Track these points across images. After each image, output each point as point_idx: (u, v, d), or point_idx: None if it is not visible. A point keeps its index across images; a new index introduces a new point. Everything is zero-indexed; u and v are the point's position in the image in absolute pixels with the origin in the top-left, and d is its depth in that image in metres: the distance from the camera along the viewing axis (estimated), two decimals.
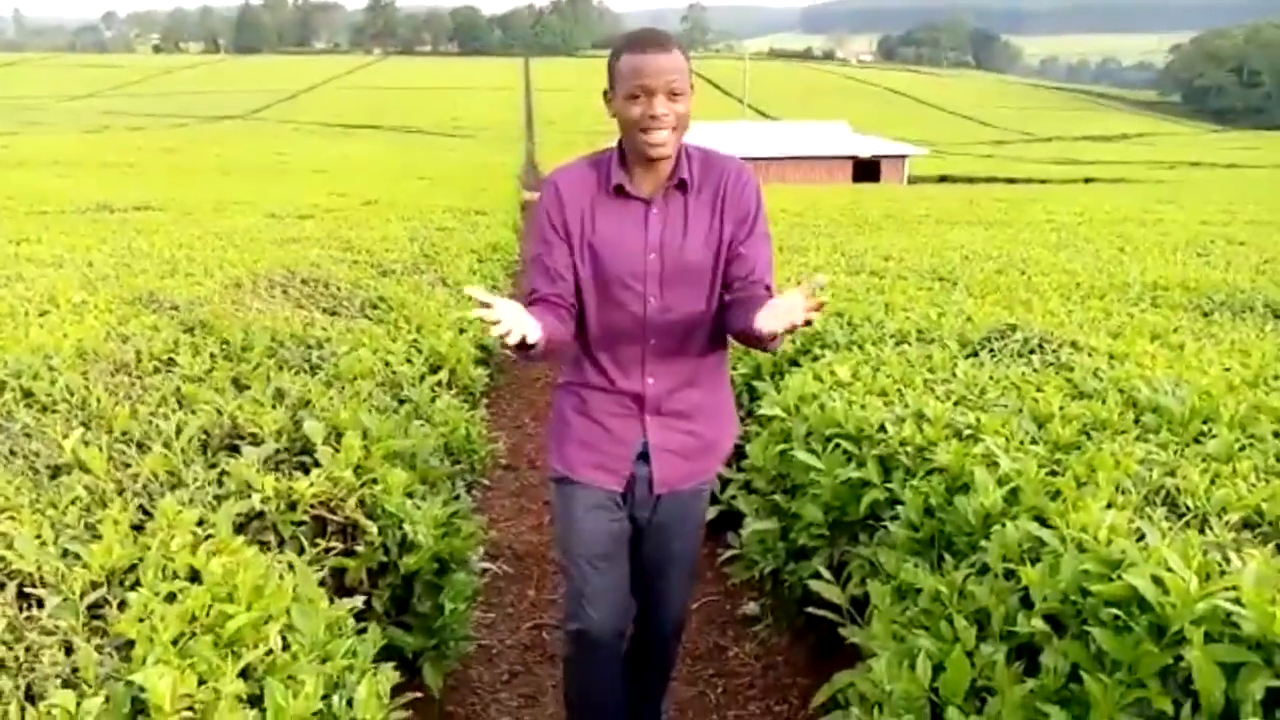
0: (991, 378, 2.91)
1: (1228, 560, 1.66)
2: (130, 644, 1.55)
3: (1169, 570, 1.55)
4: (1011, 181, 36.39)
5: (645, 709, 2.61)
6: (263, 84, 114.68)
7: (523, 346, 1.89)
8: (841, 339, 3.59)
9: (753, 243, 2.16)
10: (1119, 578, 1.60)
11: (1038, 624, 1.68)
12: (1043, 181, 36.02)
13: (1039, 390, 2.73)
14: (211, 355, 3.29)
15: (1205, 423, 2.45)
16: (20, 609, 1.63)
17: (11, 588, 1.68)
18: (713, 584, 3.48)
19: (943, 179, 40.39)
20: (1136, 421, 2.50)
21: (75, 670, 1.45)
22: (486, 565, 3.33)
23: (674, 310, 2.13)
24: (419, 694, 2.21)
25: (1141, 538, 1.73)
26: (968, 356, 3.28)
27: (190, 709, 1.42)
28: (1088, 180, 37.51)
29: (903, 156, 42.03)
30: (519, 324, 1.84)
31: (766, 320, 1.85)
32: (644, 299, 2.13)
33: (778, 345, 2.05)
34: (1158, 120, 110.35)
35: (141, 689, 1.41)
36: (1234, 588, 1.51)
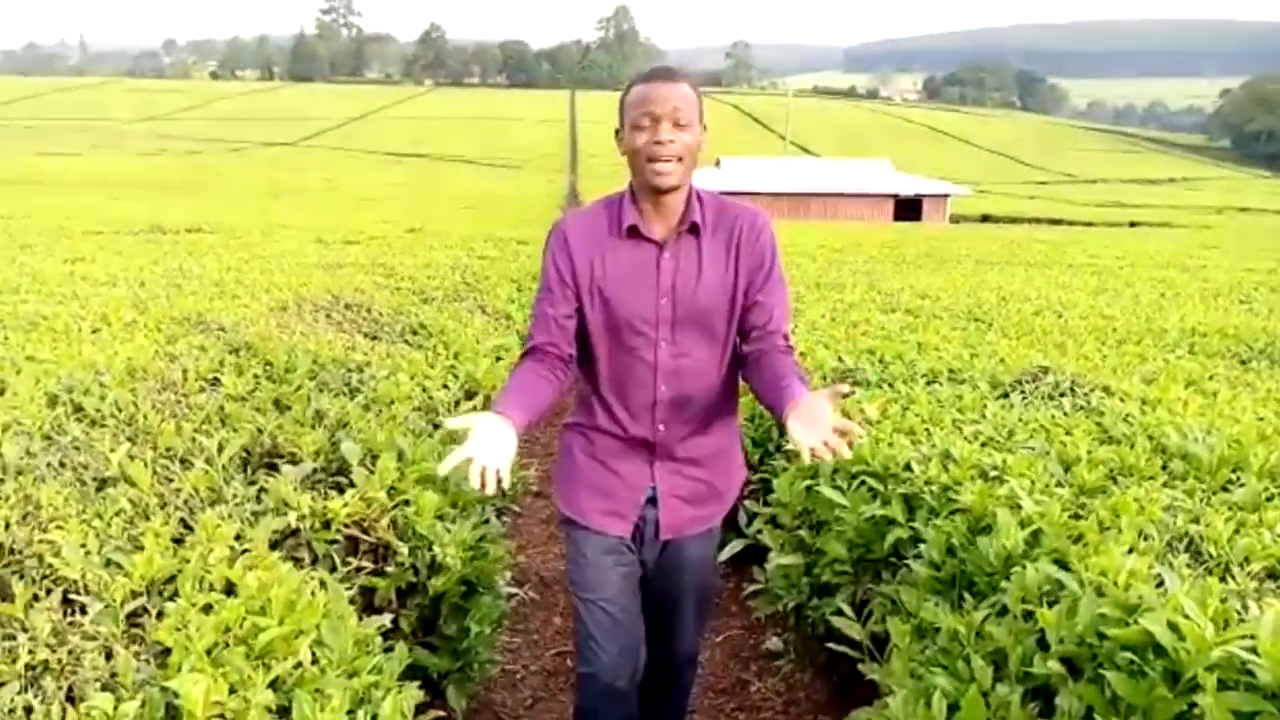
0: (1021, 419, 2.92)
1: (1247, 609, 1.66)
2: (167, 651, 1.61)
3: (1185, 617, 1.56)
4: (1055, 223, 36.14)
5: None
6: (315, 112, 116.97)
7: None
8: (873, 377, 3.61)
9: (769, 290, 2.14)
10: (1136, 622, 1.61)
11: (1054, 666, 1.69)
12: (1087, 224, 35.76)
13: (1068, 434, 2.74)
14: (255, 376, 3.38)
15: (1234, 471, 2.44)
16: (64, 614, 1.70)
17: (57, 594, 1.75)
18: (737, 618, 3.50)
19: (985, 219, 40.15)
20: (1164, 468, 2.50)
21: (114, 675, 1.51)
22: (513, 590, 3.37)
23: (687, 356, 2.11)
24: (442, 714, 2.25)
25: (1161, 584, 1.74)
26: (999, 397, 3.29)
27: (221, 717, 1.47)
28: (1133, 224, 37.17)
29: (945, 195, 41.93)
30: (493, 461, 1.81)
31: (798, 432, 1.77)
32: (655, 344, 2.10)
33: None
34: (1206, 165, 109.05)
35: (176, 695, 1.46)
36: (1251, 636, 1.51)
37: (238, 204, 20.13)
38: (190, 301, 4.99)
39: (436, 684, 2.60)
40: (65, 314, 4.29)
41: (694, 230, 2.11)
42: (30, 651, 1.53)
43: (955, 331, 4.87)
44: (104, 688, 1.46)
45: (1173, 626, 1.57)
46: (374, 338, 4.91)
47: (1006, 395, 3.33)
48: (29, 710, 1.40)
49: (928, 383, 3.53)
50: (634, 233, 2.10)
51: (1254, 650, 1.48)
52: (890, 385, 3.45)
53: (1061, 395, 3.31)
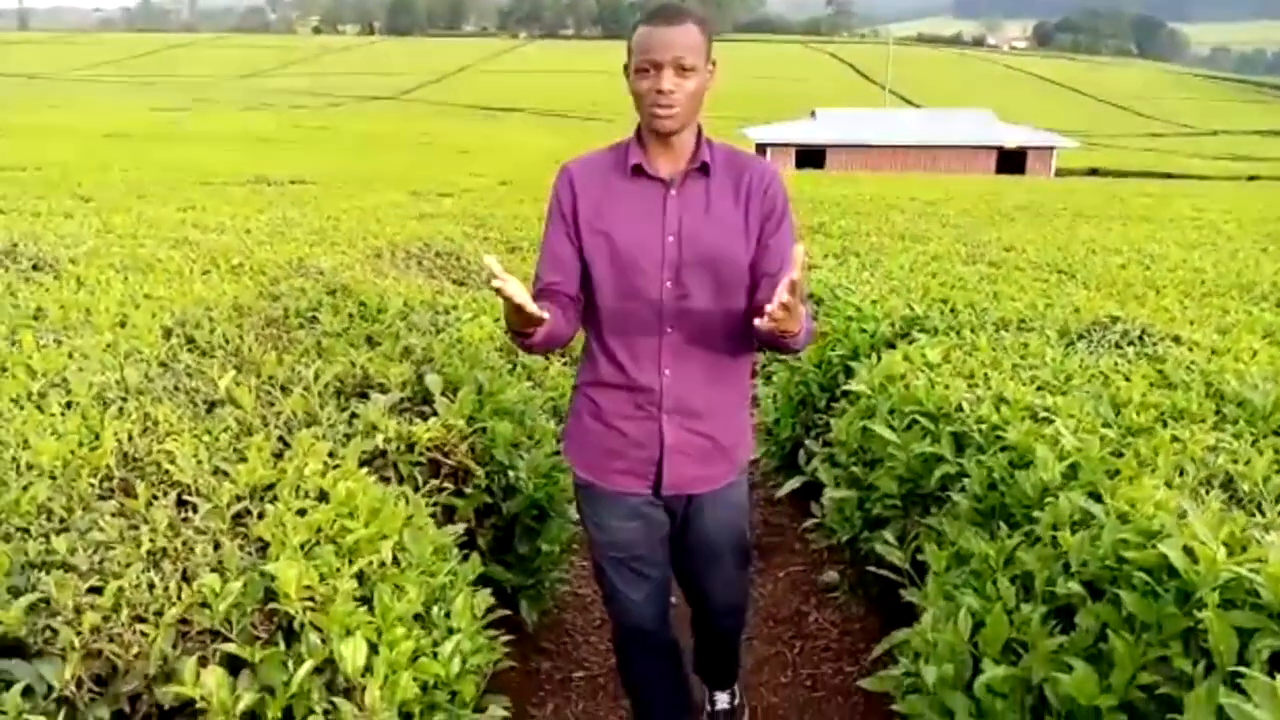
0: (1081, 365, 2.96)
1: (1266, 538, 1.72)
2: (266, 546, 1.82)
3: (1201, 543, 1.64)
4: (1168, 177, 34.67)
5: (717, 658, 2.69)
6: (413, 66, 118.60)
7: (525, 329, 1.96)
8: (940, 324, 3.66)
9: (781, 236, 2.13)
10: (1154, 547, 1.70)
11: (1074, 586, 1.79)
12: (1201, 178, 34.19)
13: (1126, 379, 2.78)
14: (350, 315, 3.62)
15: None
16: (179, 512, 1.93)
17: (172, 495, 1.98)
18: (799, 554, 3.63)
19: (1092, 172, 38.77)
20: (1218, 412, 2.53)
21: (221, 562, 1.73)
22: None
23: (692, 298, 2.09)
24: (514, 622, 2.46)
25: (1184, 514, 1.81)
26: (1065, 346, 3.32)
27: (311, 599, 1.68)
28: (1252, 178, 35.38)
29: (1050, 148, 40.50)
30: (526, 300, 1.85)
31: (760, 323, 1.82)
32: (661, 284, 2.09)
33: (797, 344, 2.03)
34: None
35: (273, 579, 1.67)
36: (1260, 560, 1.59)
37: (339, 157, 20.73)
38: (292, 248, 5.28)
39: (512, 600, 2.81)
40: (178, 257, 4.60)
41: (703, 170, 2.11)
42: (151, 539, 1.76)
43: (1036, 283, 4.85)
44: (212, 570, 1.68)
45: (1188, 551, 1.65)
46: (461, 284, 5.14)
47: (1073, 344, 3.36)
48: (151, 586, 1.62)
49: (996, 330, 3.57)
50: (640, 172, 2.11)
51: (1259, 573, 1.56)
52: (957, 332, 3.50)
53: (1129, 344, 3.32)
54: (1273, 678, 1.39)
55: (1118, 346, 3.29)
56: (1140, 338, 3.38)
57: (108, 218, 6.43)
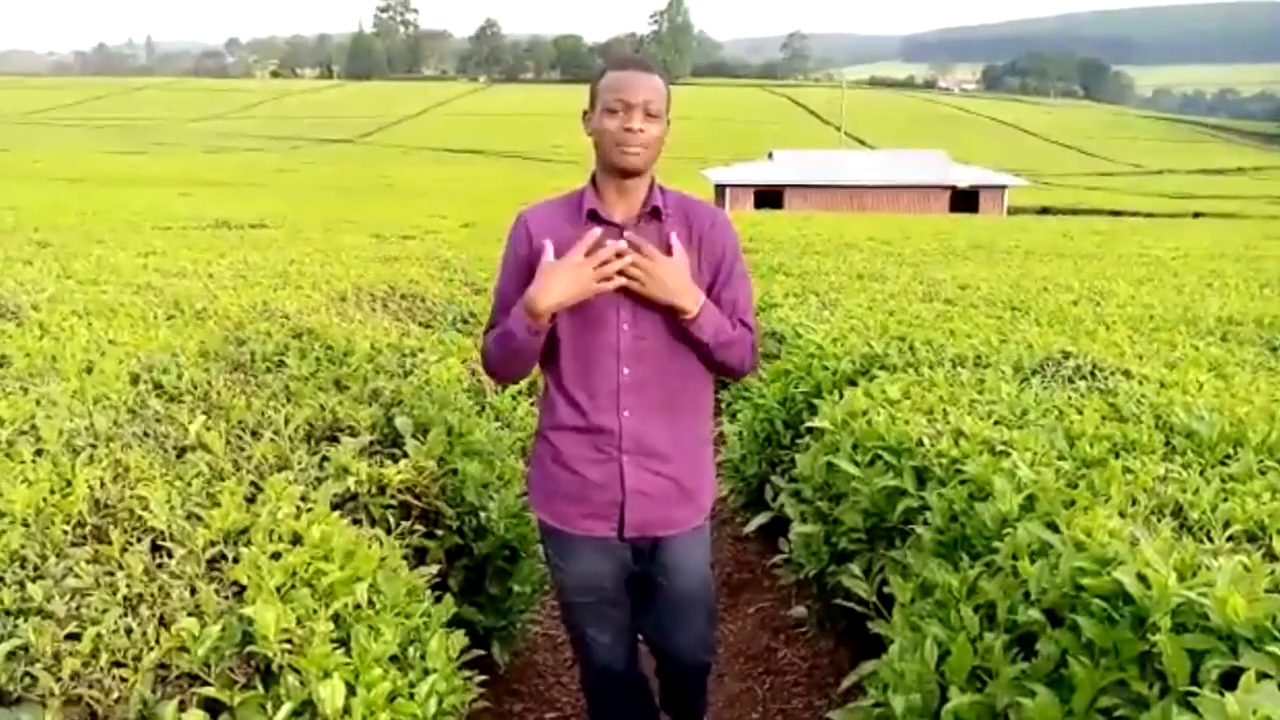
0: (1035, 400, 3.05)
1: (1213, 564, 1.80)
2: (242, 589, 1.83)
3: (1153, 569, 1.71)
4: (1116, 214, 35.51)
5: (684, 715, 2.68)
6: (373, 109, 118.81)
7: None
8: (899, 361, 3.75)
9: (732, 285, 2.23)
10: (1109, 574, 1.77)
11: (1035, 614, 1.85)
12: (1148, 215, 35.07)
13: (1079, 413, 2.87)
14: (317, 359, 3.63)
15: (1233, 447, 2.56)
16: (153, 558, 1.94)
17: (146, 541, 1.99)
18: (767, 590, 3.67)
19: (1044, 210, 39.63)
20: (1167, 443, 2.63)
21: (198, 606, 1.74)
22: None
23: (648, 339, 2.16)
24: (486, 663, 2.47)
25: (1136, 542, 1.88)
26: (1020, 381, 3.42)
27: (290, 641, 1.70)
28: (1196, 215, 36.38)
29: (1002, 187, 41.41)
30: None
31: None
32: (617, 327, 2.15)
33: (706, 337, 2.15)
34: (1277, 153, 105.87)
35: (250, 622, 1.69)
36: (1209, 585, 1.66)
37: (298, 201, 20.70)
38: (256, 292, 5.28)
39: (484, 641, 2.82)
40: (141, 302, 4.59)
41: (655, 215, 2.18)
42: (127, 585, 1.76)
43: (990, 320, 4.97)
44: (190, 615, 1.69)
45: (1141, 578, 1.72)
46: (427, 326, 5.16)
47: (1028, 379, 3.45)
48: (129, 631, 1.63)
49: (953, 367, 3.66)
50: (595, 217, 2.17)
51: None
52: (915, 369, 3.59)
53: (1081, 378, 3.43)
54: (1222, 696, 1.45)
55: (1070, 381, 3.39)
56: (1092, 373, 3.49)
57: (67, 263, 6.38)
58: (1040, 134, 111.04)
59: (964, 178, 41.93)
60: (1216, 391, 3.20)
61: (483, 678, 2.28)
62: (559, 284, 2.06)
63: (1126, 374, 3.47)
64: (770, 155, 45.55)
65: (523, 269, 2.20)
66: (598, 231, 2.07)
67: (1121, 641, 1.69)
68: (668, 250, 2.13)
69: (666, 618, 2.41)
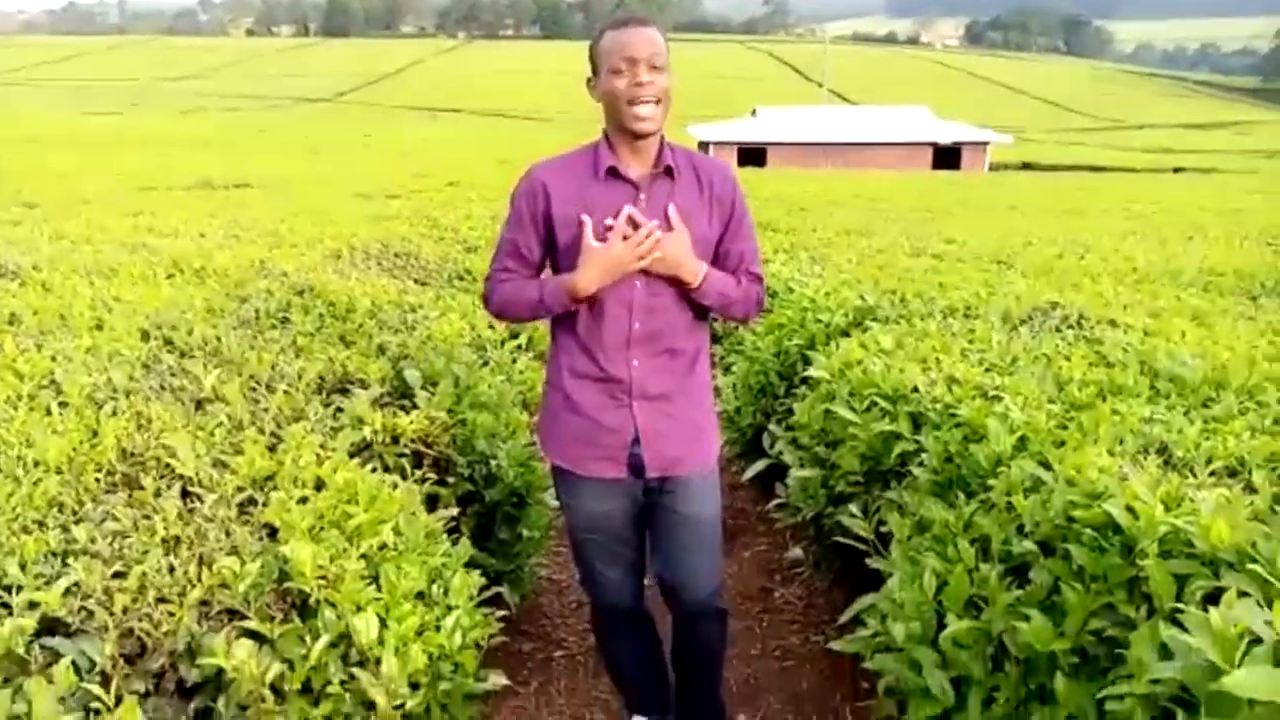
0: (1025, 348, 3.15)
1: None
2: (274, 531, 1.92)
3: (1140, 501, 1.82)
4: (1098, 170, 35.66)
5: (700, 694, 2.69)
6: (351, 67, 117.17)
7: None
8: (891, 313, 3.84)
9: (741, 237, 2.32)
10: (1099, 507, 1.87)
11: (1029, 545, 1.96)
12: (1130, 170, 35.22)
13: (1066, 359, 2.97)
14: (320, 315, 3.69)
15: (1216, 390, 2.67)
16: (185, 503, 2.01)
17: (177, 487, 2.07)
18: (763, 535, 3.79)
19: (1026, 166, 39.74)
20: (1152, 387, 2.73)
21: (235, 546, 1.82)
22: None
23: (661, 294, 2.23)
24: (498, 605, 2.56)
25: (1125, 477, 1.99)
26: (1009, 330, 3.51)
27: (324, 578, 1.78)
28: (1177, 170, 36.57)
29: (984, 143, 41.34)
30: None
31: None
32: (632, 283, 2.20)
33: (710, 300, 2.27)
34: (1259, 108, 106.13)
35: (286, 560, 1.77)
36: (1193, 514, 1.76)
37: (279, 160, 20.50)
38: (250, 251, 5.30)
39: (494, 583, 2.92)
40: (139, 262, 4.62)
41: (669, 173, 2.23)
42: (164, 528, 1.84)
43: (978, 273, 5.07)
44: (228, 554, 1.77)
45: (1130, 509, 1.82)
46: (423, 283, 5.20)
47: (1016, 329, 3.55)
48: (170, 570, 1.71)
49: (944, 317, 3.75)
50: (613, 173, 2.21)
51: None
52: (907, 320, 3.68)
53: (1069, 328, 3.53)
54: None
55: (1058, 330, 3.49)
56: (1079, 322, 3.59)
57: (57, 224, 6.36)
58: (1022, 90, 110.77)
59: (946, 134, 41.85)
60: (1199, 339, 3.30)
61: (498, 613, 2.38)
62: (605, 271, 2.15)
63: (1112, 323, 3.58)
64: (754, 112, 45.32)
65: (536, 223, 2.25)
66: (630, 210, 2.14)
67: (1111, 568, 1.80)
68: (673, 200, 2.21)
69: (676, 555, 2.46)
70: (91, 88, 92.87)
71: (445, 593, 2.07)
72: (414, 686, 1.84)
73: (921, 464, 2.50)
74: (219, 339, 3.16)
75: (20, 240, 5.33)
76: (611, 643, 2.70)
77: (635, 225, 2.16)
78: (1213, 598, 1.63)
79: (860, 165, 34.84)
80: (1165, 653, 1.54)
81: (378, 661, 1.74)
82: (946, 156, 40.04)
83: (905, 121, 43.95)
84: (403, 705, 1.78)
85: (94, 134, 30.57)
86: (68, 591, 1.58)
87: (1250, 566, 1.52)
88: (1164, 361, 2.89)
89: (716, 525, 2.51)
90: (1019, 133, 60.12)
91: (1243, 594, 1.50)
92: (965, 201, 12.24)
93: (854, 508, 2.64)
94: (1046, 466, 2.16)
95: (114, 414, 2.37)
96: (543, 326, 3.96)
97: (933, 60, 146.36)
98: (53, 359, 2.78)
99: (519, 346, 4.17)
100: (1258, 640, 1.37)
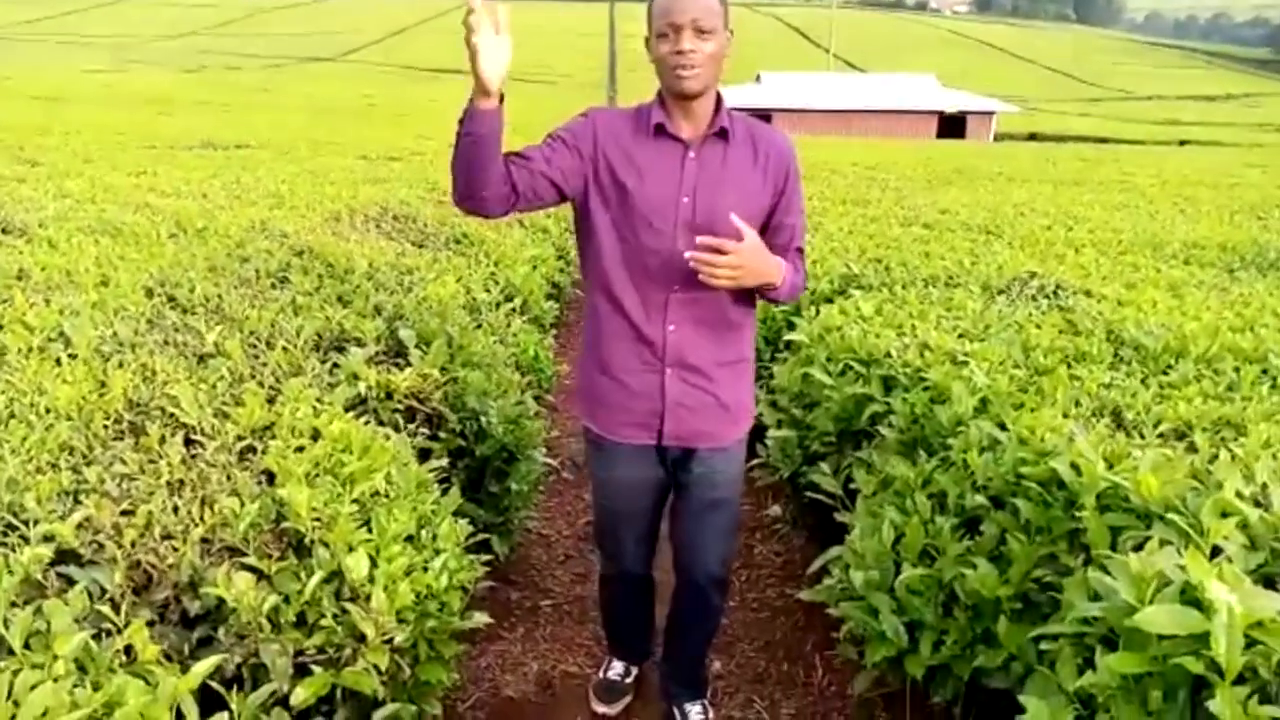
0: (999, 316, 3.26)
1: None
2: (272, 476, 2.04)
3: (1084, 459, 1.94)
4: (1103, 141, 35.53)
5: (687, 660, 2.73)
6: (354, 26, 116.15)
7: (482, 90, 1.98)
8: (874, 281, 3.95)
9: (792, 211, 2.25)
10: (1045, 464, 2.00)
11: (980, 499, 2.08)
12: (1135, 142, 35.09)
13: (1037, 327, 3.08)
14: (319, 275, 3.79)
15: (1176, 358, 2.78)
16: (188, 450, 2.14)
17: (180, 435, 2.19)
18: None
19: (1031, 136, 39.57)
20: (1116, 354, 2.85)
21: (235, 489, 1.95)
22: (548, 461, 3.81)
23: None
24: (487, 557, 2.69)
25: (1073, 438, 2.11)
26: (987, 299, 3.62)
27: (319, 519, 1.91)
28: (1183, 142, 36.43)
29: (990, 113, 41.20)
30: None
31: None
32: (673, 243, 2.13)
33: (781, 296, 2.22)
34: (1269, 80, 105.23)
35: (283, 504, 1.90)
36: (1132, 471, 1.88)
37: (282, 120, 20.49)
38: (252, 211, 5.40)
39: (482, 533, 3.05)
40: (143, 221, 4.72)
41: (722, 135, 2.17)
42: (169, 471, 1.96)
43: (965, 243, 5.16)
44: (229, 496, 1.90)
45: (1074, 466, 1.94)
46: (420, 246, 5.30)
47: (994, 297, 3.66)
48: (175, 509, 1.83)
49: (925, 286, 3.86)
50: (661, 131, 2.16)
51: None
52: (889, 288, 3.79)
53: (1044, 297, 3.63)
54: None
55: (1033, 299, 3.60)
56: (1055, 291, 3.70)
57: (60, 182, 6.46)
58: (1031, 59, 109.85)
59: (952, 102, 41.68)
60: (1170, 309, 3.42)
61: (486, 560, 2.51)
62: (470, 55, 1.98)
63: (1087, 293, 3.68)
64: (758, 78, 45.07)
65: (581, 154, 2.17)
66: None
67: (1054, 520, 1.93)
68: (723, 169, 2.16)
69: (693, 523, 2.47)
70: (89, 44, 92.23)
71: (434, 538, 2.19)
72: (402, 622, 1.97)
73: (890, 424, 2.62)
74: (220, 297, 3.27)
75: (26, 198, 5.42)
76: (611, 602, 2.81)
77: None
78: (1143, 548, 1.76)
79: (865, 132, 34.73)
80: (1095, 597, 1.67)
81: (368, 598, 1.86)
82: (952, 125, 39.91)
83: (911, 89, 43.75)
84: (392, 640, 1.91)
85: (95, 92, 30.47)
86: (80, 526, 1.70)
87: (1170, 516, 1.64)
88: (1130, 330, 3.00)
89: (735, 501, 2.51)
90: (1026, 102, 59.77)
91: (1165, 543, 1.63)
92: (964, 171, 12.28)
93: (826, 466, 2.77)
94: (1004, 428, 2.28)
95: (120, 366, 2.49)
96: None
97: (940, 27, 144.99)
98: (60, 313, 2.89)
99: (513, 310, 4.28)
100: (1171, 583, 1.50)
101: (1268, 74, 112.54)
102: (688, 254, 2.03)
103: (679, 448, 2.34)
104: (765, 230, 2.22)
